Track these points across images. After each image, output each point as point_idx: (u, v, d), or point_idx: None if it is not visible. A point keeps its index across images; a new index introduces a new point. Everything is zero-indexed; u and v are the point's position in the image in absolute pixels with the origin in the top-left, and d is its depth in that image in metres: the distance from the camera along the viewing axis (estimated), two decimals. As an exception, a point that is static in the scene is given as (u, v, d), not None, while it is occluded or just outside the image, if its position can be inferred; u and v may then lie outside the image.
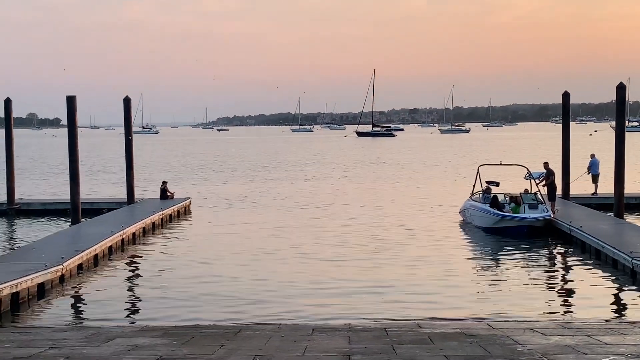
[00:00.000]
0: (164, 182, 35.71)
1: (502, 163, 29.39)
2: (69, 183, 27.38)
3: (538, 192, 26.63)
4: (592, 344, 10.78)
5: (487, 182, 27.86)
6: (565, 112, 32.09)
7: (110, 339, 11.95)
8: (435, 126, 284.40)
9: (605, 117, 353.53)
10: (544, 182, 27.18)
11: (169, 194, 34.83)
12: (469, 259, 22.05)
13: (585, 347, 10.55)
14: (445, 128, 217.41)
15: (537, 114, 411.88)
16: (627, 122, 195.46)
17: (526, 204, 25.63)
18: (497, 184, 27.68)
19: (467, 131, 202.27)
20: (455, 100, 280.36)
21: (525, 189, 26.95)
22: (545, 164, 27.97)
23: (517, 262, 21.34)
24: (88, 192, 41.93)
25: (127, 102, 33.34)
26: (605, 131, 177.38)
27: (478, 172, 28.50)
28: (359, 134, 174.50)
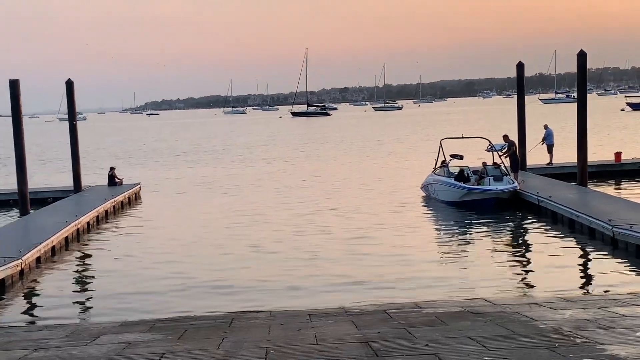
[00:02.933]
0: (112, 168, 34.41)
1: (464, 136, 29.09)
2: (16, 172, 25.96)
3: (502, 164, 26.41)
4: (611, 317, 10.37)
5: (451, 156, 27.51)
6: (520, 83, 31.94)
7: (95, 336, 11.03)
8: (367, 104, 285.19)
9: (530, 90, 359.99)
10: (506, 154, 26.98)
11: (117, 180, 33.55)
12: (438, 235, 21.67)
13: (608, 321, 10.13)
14: (379, 105, 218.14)
15: (465, 89, 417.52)
16: (554, 93, 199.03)
17: (491, 176, 25.38)
18: (461, 157, 27.34)
19: (400, 108, 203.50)
20: (382, 79, 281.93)
21: (483, 162, 26.70)
22: (505, 136, 27.83)
23: (488, 236, 21.05)
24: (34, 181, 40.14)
25: (69, 85, 31.83)
26: (533, 103, 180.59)
27: (441, 145, 28.10)
28: (294, 114, 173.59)
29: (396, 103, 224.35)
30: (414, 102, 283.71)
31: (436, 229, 22.74)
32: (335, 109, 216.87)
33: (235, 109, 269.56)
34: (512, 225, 22.58)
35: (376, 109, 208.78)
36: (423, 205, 26.77)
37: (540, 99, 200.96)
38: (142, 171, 46.39)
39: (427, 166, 35.32)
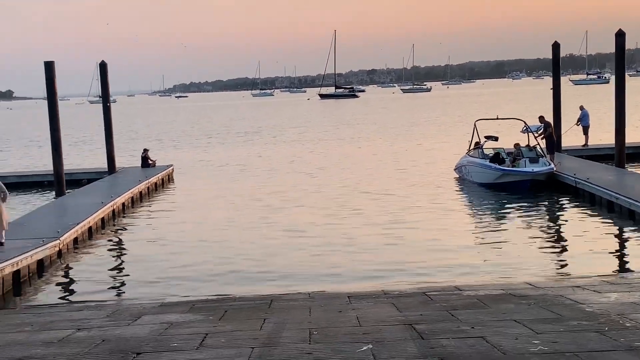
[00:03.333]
0: (145, 150, 34.54)
1: (499, 117, 28.72)
2: (52, 153, 26.12)
3: (537, 146, 26.06)
4: (659, 301, 10.19)
5: (485, 137, 27.20)
6: (556, 64, 31.46)
7: (136, 316, 11.07)
8: (395, 86, 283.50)
9: (561, 72, 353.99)
10: (542, 135, 26.63)
11: (150, 162, 33.69)
12: (473, 217, 21.47)
13: (656, 304, 9.94)
14: (407, 88, 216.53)
15: (494, 70, 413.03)
16: (585, 75, 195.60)
17: (526, 157, 25.07)
18: (496, 139, 27.01)
19: (429, 90, 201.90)
20: (410, 61, 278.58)
21: (516, 143, 26.36)
22: (541, 117, 27.42)
23: (525, 218, 20.80)
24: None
25: (103, 67, 32.00)
26: (565, 85, 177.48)
27: (475, 127, 27.77)
28: (322, 96, 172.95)
29: (424, 85, 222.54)
30: (443, 84, 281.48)
31: (471, 211, 22.53)
32: (363, 90, 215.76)
33: (263, 91, 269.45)
34: (549, 207, 22.30)
35: (404, 91, 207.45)
36: (457, 187, 26.55)
37: (571, 80, 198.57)
38: (174, 153, 46.56)
39: (459, 148, 35.06)
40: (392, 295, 12.04)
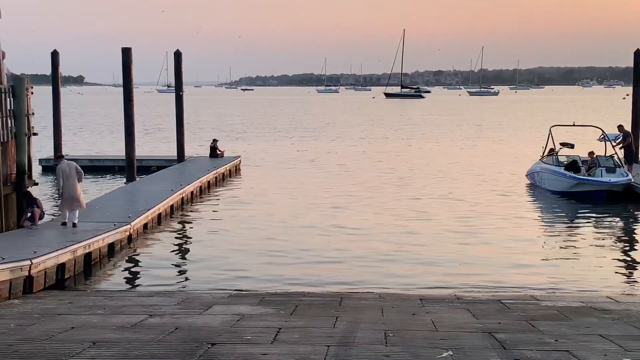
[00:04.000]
0: (215, 140, 34.75)
1: (576, 124, 27.96)
2: (125, 138, 26.48)
3: (615, 155, 25.26)
4: None
5: (561, 144, 26.48)
6: (637, 72, 30.44)
7: (207, 306, 11.02)
8: (461, 88, 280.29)
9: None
10: (620, 145, 25.79)
11: (218, 152, 33.88)
12: (546, 226, 20.87)
13: None
14: (474, 90, 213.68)
15: (564, 77, 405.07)
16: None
17: (603, 167, 24.31)
18: (572, 146, 26.27)
19: (496, 94, 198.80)
20: (479, 63, 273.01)
21: (590, 152, 25.60)
22: (620, 127, 26.60)
23: (600, 229, 20.16)
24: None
25: (178, 56, 32.29)
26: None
27: (550, 133, 27.03)
28: (387, 95, 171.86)
29: (492, 88, 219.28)
30: (510, 88, 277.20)
31: (544, 220, 21.91)
32: (429, 91, 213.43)
33: (328, 87, 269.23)
34: (625, 219, 21.56)
35: (471, 94, 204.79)
36: (529, 194, 25.90)
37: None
38: (242, 144, 46.75)
39: (531, 153, 34.34)
40: (465, 301, 11.73)
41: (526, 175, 28.13)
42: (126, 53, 25.87)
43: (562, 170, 24.71)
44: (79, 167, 17.32)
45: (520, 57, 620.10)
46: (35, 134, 18.93)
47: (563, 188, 24.51)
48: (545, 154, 26.92)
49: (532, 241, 18.52)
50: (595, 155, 25.37)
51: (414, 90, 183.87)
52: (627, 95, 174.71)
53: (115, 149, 41.23)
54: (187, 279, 15.11)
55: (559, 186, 24.75)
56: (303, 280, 14.76)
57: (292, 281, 14.68)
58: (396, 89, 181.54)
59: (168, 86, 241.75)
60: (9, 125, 17.19)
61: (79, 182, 17.11)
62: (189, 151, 37.59)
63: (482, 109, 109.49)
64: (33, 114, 18.56)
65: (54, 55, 31.81)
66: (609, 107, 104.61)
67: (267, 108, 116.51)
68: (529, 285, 14.15)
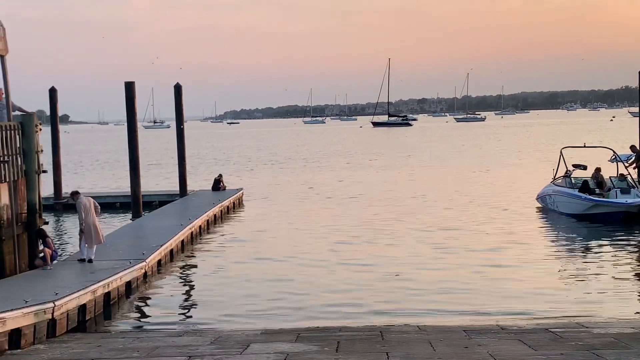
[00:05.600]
0: (220, 175, 34.34)
1: (586, 145, 27.65)
2: (129, 174, 25.99)
3: (629, 176, 24.96)
4: None
5: (573, 166, 26.15)
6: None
7: (244, 344, 10.50)
8: (447, 115, 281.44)
9: (616, 104, 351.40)
10: (634, 165, 25.51)
11: (220, 186, 33.40)
12: (566, 249, 20.40)
13: None
14: (461, 117, 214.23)
15: (547, 101, 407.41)
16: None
17: (617, 188, 23.98)
18: (585, 168, 25.93)
19: (483, 119, 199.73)
20: (464, 89, 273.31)
21: (597, 168, 25.34)
22: (632, 147, 26.31)
23: (621, 251, 19.66)
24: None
25: (178, 89, 31.93)
26: (624, 117, 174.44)
27: (561, 154, 26.68)
28: (375, 124, 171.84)
29: (479, 114, 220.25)
30: (495, 114, 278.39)
31: (563, 244, 21.37)
32: (415, 119, 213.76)
33: (315, 118, 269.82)
34: (646, 241, 21.15)
35: (458, 120, 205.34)
36: (543, 218, 25.44)
37: (630, 112, 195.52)
38: (243, 177, 46.18)
39: (536, 177, 33.95)
40: (512, 331, 11.27)
41: (537, 199, 27.74)
42: (129, 87, 25.50)
43: (576, 192, 24.35)
44: (96, 202, 17.11)
45: (504, 82, 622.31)
46: (44, 171, 18.41)
47: (578, 210, 24.14)
48: (557, 176, 26.56)
49: (554, 266, 18.13)
50: (601, 172, 25.15)
51: (401, 118, 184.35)
52: (613, 117, 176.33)
53: (115, 185, 40.71)
54: (210, 316, 14.54)
55: (574, 209, 24.38)
56: (330, 313, 14.26)
57: (319, 315, 14.18)
58: (383, 118, 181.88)
59: (154, 122, 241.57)
60: (19, 162, 16.67)
61: (97, 216, 16.83)
62: (188, 185, 37.11)
63: (474, 134, 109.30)
64: (42, 151, 18.05)
65: (52, 92, 31.44)
66: (603, 129, 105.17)
67: (260, 140, 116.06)
68: (563, 311, 13.74)
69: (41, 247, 16.50)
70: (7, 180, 15.92)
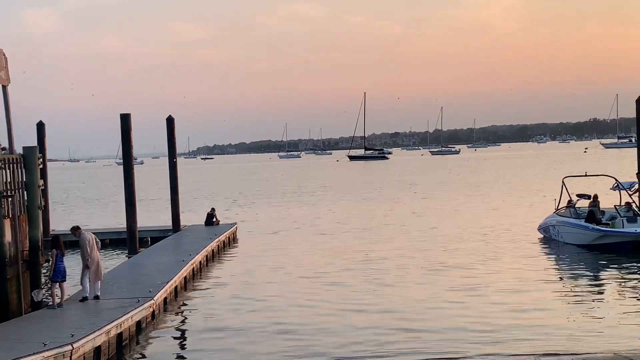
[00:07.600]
0: (213, 209, 33.65)
1: (587, 174, 27.39)
2: (125, 209, 25.27)
3: (633, 204, 24.69)
4: None
5: (578, 195, 25.83)
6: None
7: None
8: (419, 149, 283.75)
9: (585, 136, 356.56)
10: (638, 193, 25.27)
11: (214, 220, 32.72)
12: (577, 281, 19.86)
13: None
14: (436, 150, 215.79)
15: (517, 134, 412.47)
16: (616, 139, 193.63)
17: (624, 217, 23.68)
18: (589, 197, 25.57)
19: (458, 152, 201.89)
20: (439, 123, 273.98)
21: (594, 195, 25.10)
22: (638, 175, 26.09)
23: (637, 282, 19.25)
24: (120, 221, 39.17)
25: (170, 122, 31.34)
26: (596, 148, 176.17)
27: (563, 184, 26.35)
28: (351, 157, 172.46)
29: (453, 147, 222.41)
30: (468, 147, 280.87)
31: (572, 275, 20.78)
32: (390, 152, 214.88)
33: (290, 153, 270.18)
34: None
35: (433, 153, 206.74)
36: (548, 249, 24.82)
37: (602, 144, 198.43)
38: (233, 211, 45.50)
39: (531, 207, 33.63)
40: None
41: (539, 229, 27.35)
42: (125, 119, 24.86)
43: (583, 222, 24.00)
44: (97, 238, 16.60)
45: (475, 115, 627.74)
46: (44, 207, 17.71)
47: (585, 241, 23.77)
48: (560, 206, 26.23)
49: (567, 299, 17.74)
50: (598, 200, 24.93)
51: (377, 152, 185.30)
52: (586, 148, 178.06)
53: (97, 223, 39.73)
54: (223, 357, 13.87)
55: (580, 239, 24.00)
56: (352, 351, 13.65)
57: (338, 352, 13.58)
58: (360, 152, 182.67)
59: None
60: (22, 197, 15.97)
61: (99, 250, 16.70)
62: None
63: (456, 167, 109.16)
64: (43, 185, 17.37)
65: (40, 126, 30.71)
66: (580, 159, 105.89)
67: (240, 175, 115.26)
68: (596, 344, 13.25)
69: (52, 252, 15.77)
70: (11, 216, 15.22)
